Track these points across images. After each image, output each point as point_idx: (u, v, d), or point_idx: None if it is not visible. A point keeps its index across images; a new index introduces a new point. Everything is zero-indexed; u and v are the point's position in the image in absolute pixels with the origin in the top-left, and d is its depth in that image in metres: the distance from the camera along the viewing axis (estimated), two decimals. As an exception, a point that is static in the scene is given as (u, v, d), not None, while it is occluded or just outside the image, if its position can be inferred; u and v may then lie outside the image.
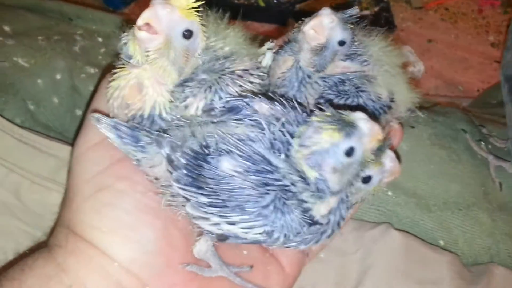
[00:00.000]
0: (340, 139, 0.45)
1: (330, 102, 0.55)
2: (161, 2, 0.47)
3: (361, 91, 0.57)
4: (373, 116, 0.55)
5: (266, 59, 0.59)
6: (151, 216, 0.52)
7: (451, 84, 1.40)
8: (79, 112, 0.82)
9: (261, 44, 0.62)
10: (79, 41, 0.91)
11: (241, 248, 0.58)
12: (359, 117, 0.46)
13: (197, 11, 0.48)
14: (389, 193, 0.73)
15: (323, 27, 0.54)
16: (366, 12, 1.46)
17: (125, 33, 0.52)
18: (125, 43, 0.51)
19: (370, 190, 0.53)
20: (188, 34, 0.49)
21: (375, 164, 0.50)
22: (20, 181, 0.66)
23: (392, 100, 0.59)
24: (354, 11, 0.56)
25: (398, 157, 0.52)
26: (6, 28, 0.87)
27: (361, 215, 0.73)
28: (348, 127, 0.45)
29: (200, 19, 0.49)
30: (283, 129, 0.48)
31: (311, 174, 0.47)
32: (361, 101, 0.56)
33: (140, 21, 0.46)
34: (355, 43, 0.58)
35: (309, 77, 0.57)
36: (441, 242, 0.74)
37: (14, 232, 0.65)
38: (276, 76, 0.59)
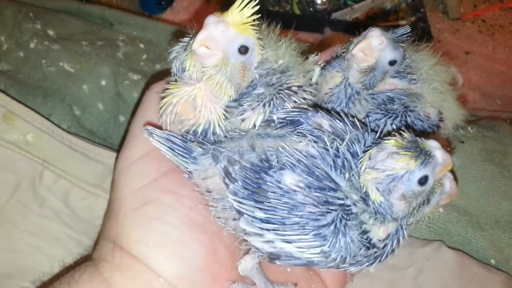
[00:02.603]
0: (416, 167, 0.44)
1: (399, 128, 0.54)
2: (215, 21, 0.47)
3: (410, 110, 0.56)
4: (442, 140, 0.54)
5: (315, 75, 0.58)
6: (197, 231, 0.51)
7: (489, 97, 1.37)
8: (122, 119, 0.82)
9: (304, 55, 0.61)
10: (122, 47, 0.91)
11: (286, 265, 0.56)
12: (435, 146, 0.45)
13: (253, 25, 0.48)
14: (440, 209, 0.71)
15: (372, 49, 0.53)
16: (403, 22, 1.44)
17: (175, 47, 0.52)
18: (175, 57, 0.51)
19: (427, 211, 0.51)
20: (244, 50, 0.49)
21: (435, 185, 0.48)
22: (69, 187, 0.66)
23: (441, 119, 0.58)
24: (406, 30, 0.55)
25: (455, 178, 0.51)
26: (50, 33, 0.87)
27: (412, 232, 0.72)
28: (425, 156, 0.44)
29: (256, 33, 0.49)
30: (347, 148, 0.47)
31: (377, 198, 0.45)
32: (409, 120, 0.55)
33: (196, 44, 0.46)
34: (406, 60, 0.57)
35: (358, 93, 0.57)
36: (492, 261, 0.72)
37: (62, 238, 0.64)
38: (323, 92, 0.58)
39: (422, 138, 0.46)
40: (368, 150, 0.46)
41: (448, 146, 0.63)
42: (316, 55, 0.59)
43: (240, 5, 0.47)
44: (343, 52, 0.57)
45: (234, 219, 0.49)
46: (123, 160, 0.55)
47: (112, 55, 0.87)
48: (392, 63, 0.55)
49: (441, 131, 0.59)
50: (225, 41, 0.47)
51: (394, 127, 0.55)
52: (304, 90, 0.53)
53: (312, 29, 1.37)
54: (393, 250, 0.50)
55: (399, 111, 0.56)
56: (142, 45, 0.94)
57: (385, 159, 0.44)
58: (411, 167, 0.44)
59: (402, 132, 0.46)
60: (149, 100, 0.58)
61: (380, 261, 0.50)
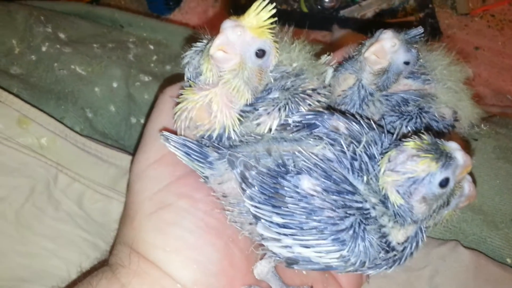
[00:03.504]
0: (437, 169, 0.43)
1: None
2: (232, 26, 0.46)
3: (425, 111, 0.55)
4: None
5: (328, 77, 0.57)
6: (213, 235, 0.51)
7: (499, 93, 1.36)
8: (133, 120, 0.82)
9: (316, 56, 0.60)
10: (132, 48, 0.91)
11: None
12: (455, 148, 0.45)
13: (269, 28, 0.48)
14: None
15: (385, 51, 0.53)
16: (411, 18, 1.43)
17: (188, 52, 0.51)
18: (189, 62, 0.51)
19: (446, 214, 0.50)
20: (261, 53, 0.48)
21: (455, 188, 0.48)
22: (83, 190, 0.66)
23: (456, 119, 0.57)
24: (419, 31, 0.55)
25: (474, 180, 0.51)
26: (62, 36, 0.87)
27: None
28: (445, 158, 0.44)
29: (272, 36, 0.49)
30: (364, 150, 0.47)
31: (397, 201, 0.45)
32: (424, 121, 0.55)
33: (214, 49, 0.46)
34: (419, 61, 0.57)
35: (372, 95, 0.56)
36: (508, 260, 0.72)
37: (77, 241, 0.64)
38: (336, 94, 0.57)
39: (442, 139, 0.45)
40: (386, 152, 0.46)
41: (466, 146, 0.62)
42: (328, 55, 0.59)
43: (257, 8, 0.46)
44: (356, 54, 0.56)
45: (251, 224, 0.49)
46: (138, 164, 0.55)
47: (123, 57, 0.87)
48: (406, 63, 0.54)
49: (456, 130, 0.59)
50: (242, 45, 0.47)
51: (409, 129, 0.54)
52: (319, 93, 0.53)
53: (320, 27, 1.36)
54: (412, 253, 0.49)
55: (414, 113, 0.55)
56: (152, 47, 0.94)
57: (405, 161, 0.44)
58: (432, 169, 0.43)
59: (421, 134, 0.45)
60: (163, 103, 0.57)
61: (399, 264, 0.49)
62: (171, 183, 0.52)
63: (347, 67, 0.57)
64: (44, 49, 0.82)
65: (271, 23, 0.48)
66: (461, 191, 0.48)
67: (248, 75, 0.49)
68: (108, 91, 0.80)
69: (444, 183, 0.44)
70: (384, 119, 0.55)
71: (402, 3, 1.45)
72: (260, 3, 0.46)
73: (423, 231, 0.50)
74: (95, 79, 0.81)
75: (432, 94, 0.57)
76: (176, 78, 0.89)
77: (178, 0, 1.37)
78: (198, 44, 0.52)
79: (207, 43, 0.49)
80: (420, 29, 0.54)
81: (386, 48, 0.53)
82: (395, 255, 0.48)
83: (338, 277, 0.58)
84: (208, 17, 1.37)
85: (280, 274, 0.54)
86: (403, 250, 0.48)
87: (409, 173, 0.44)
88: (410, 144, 0.44)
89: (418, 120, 0.55)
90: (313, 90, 0.53)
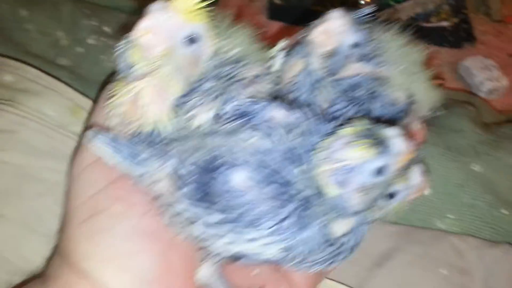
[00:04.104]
0: (372, 156, 0.40)
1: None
2: (159, 8, 0.43)
3: (376, 96, 0.51)
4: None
5: (277, 62, 0.54)
6: (149, 240, 0.47)
7: (534, 101, 1.35)
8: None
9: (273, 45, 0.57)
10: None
11: (250, 268, 0.53)
12: (394, 133, 0.41)
13: (203, 12, 0.44)
14: (503, 211, 0.69)
15: (331, 32, 0.49)
16: (445, 24, 1.42)
17: (121, 42, 0.46)
18: (122, 53, 0.46)
19: (394, 206, 0.48)
20: (191, 40, 0.44)
21: (401, 179, 0.46)
22: None
23: (411, 102, 0.53)
24: (371, 9, 0.51)
25: (427, 171, 0.48)
26: (106, 29, 0.88)
27: (475, 232, 0.71)
28: (381, 144, 0.40)
29: (208, 21, 0.45)
30: (302, 139, 0.44)
31: (334, 191, 0.42)
32: (376, 106, 0.51)
33: (137, 33, 0.42)
34: (372, 42, 0.52)
35: (321, 81, 0.52)
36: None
37: None
38: (286, 80, 0.54)
39: (383, 125, 0.42)
40: (323, 140, 0.43)
41: (421, 132, 0.57)
42: (285, 40, 0.56)
43: None
44: (303, 37, 0.52)
45: (189, 224, 0.46)
46: (74, 167, 0.52)
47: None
48: (354, 45, 0.50)
49: (414, 115, 0.55)
50: (169, 30, 0.43)
51: (360, 114, 0.50)
52: (261, 80, 0.49)
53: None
54: (356, 245, 0.47)
55: (364, 98, 0.51)
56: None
57: (340, 149, 0.41)
58: (366, 157, 0.40)
59: (359, 120, 0.42)
60: (103, 101, 0.54)
61: (344, 257, 0.47)
62: (107, 186, 0.49)
63: (295, 53, 0.53)
64: (90, 41, 0.83)
65: (208, 6, 0.44)
66: (408, 182, 0.45)
67: (179, 64, 0.44)
68: None
69: (380, 171, 0.41)
70: (333, 105, 0.51)
71: (436, 8, 1.44)
72: None
73: (367, 222, 0.47)
74: None
75: (385, 77, 0.52)
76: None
77: (213, -1, 1.38)
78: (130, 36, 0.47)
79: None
80: (373, 8, 0.51)
81: (333, 29, 0.49)
82: (338, 248, 0.46)
83: (292, 276, 0.54)
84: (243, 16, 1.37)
85: (227, 276, 0.50)
86: (345, 243, 0.46)
87: (343, 161, 0.40)
88: (346, 131, 0.41)
89: (369, 105, 0.51)
90: (256, 76, 0.49)
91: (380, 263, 0.70)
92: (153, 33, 0.42)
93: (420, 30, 0.57)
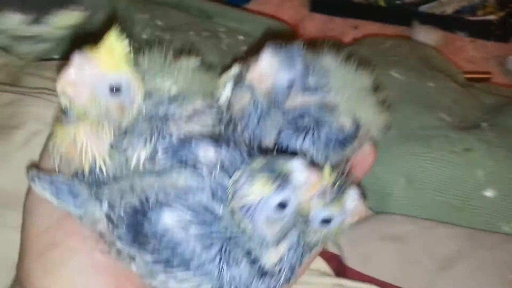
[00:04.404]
0: (271, 191, 0.41)
1: (274, 145, 0.51)
2: (80, 59, 0.43)
3: (322, 124, 0.52)
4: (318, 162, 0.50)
5: (226, 93, 0.55)
6: (104, 273, 0.48)
7: None
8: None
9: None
10: (224, 38, 0.93)
11: None
12: (295, 166, 0.41)
13: (128, 59, 0.44)
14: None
15: (265, 73, 0.50)
16: (491, 17, 1.39)
17: (58, 84, 0.46)
18: (63, 92, 0.46)
19: (332, 231, 0.48)
20: (116, 89, 0.45)
21: (335, 205, 0.46)
22: None
23: (358, 127, 0.54)
24: (297, 46, 0.51)
25: (364, 194, 0.48)
26: (159, 23, 0.90)
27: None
28: (280, 178, 0.41)
29: (132, 67, 0.45)
30: (226, 174, 0.45)
31: (247, 225, 0.43)
32: (322, 134, 0.52)
33: (60, 85, 0.43)
34: (313, 73, 0.54)
35: (268, 111, 0.53)
36: None
37: None
38: (235, 111, 0.54)
39: (287, 157, 0.43)
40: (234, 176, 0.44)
41: (370, 154, 0.58)
42: (236, 66, 0.56)
43: (109, 38, 0.43)
44: (244, 72, 0.54)
45: (130, 260, 0.47)
46: (28, 199, 0.53)
47: (216, 46, 0.90)
48: (290, 84, 0.51)
49: (362, 139, 0.56)
50: (92, 81, 0.44)
51: (308, 143, 0.52)
52: (202, 114, 0.50)
53: (398, 22, 1.35)
54: (292, 270, 0.47)
55: (310, 126, 0.52)
56: (241, 37, 0.96)
57: (243, 185, 0.42)
58: (265, 192, 0.41)
59: (266, 154, 0.44)
60: (47, 142, 0.55)
61: (282, 284, 0.47)
62: (61, 219, 0.50)
63: (241, 84, 0.54)
64: (145, 36, 0.85)
65: (130, 52, 0.44)
66: (343, 207, 0.46)
67: (106, 111, 0.45)
68: None
69: (282, 205, 0.42)
70: (280, 134, 0.53)
71: (482, 1, 1.41)
72: (114, 37, 0.43)
73: (303, 246, 0.47)
74: None
75: (332, 105, 0.53)
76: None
77: (255, -9, 1.38)
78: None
79: None
80: (300, 44, 0.52)
81: (266, 70, 0.50)
82: (272, 278, 0.46)
83: None
84: (284, 9, 1.38)
85: None
86: (280, 272, 0.46)
87: (246, 197, 0.42)
88: (252, 165, 0.42)
89: (316, 133, 0.52)
90: (195, 111, 0.49)
91: (445, 267, 0.68)
92: (75, 86, 0.43)
93: (465, 24, 0.56)
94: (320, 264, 0.69)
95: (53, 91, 0.67)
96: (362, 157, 0.57)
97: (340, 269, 0.71)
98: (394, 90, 0.86)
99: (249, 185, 0.42)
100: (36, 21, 0.77)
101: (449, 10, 1.36)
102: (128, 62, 0.44)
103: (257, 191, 0.41)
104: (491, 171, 0.76)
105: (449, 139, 0.79)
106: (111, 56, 0.43)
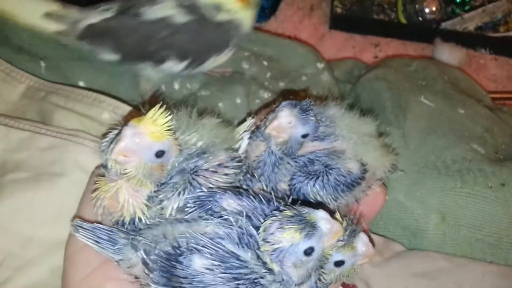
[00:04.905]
0: (300, 239, 0.46)
1: (296, 199, 0.55)
2: (130, 134, 0.49)
3: (331, 168, 0.58)
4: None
5: (244, 144, 0.61)
6: None
7: None
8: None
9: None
10: (249, 64, 0.91)
11: None
12: (320, 217, 0.47)
13: (167, 129, 0.50)
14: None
15: (283, 128, 0.56)
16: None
17: (105, 139, 0.54)
18: (103, 151, 0.53)
19: (345, 272, 0.54)
20: (160, 154, 0.51)
21: (347, 249, 0.52)
22: None
23: (364, 170, 0.59)
24: (309, 103, 0.57)
25: (371, 240, 0.54)
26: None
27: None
28: (308, 228, 0.47)
29: (171, 135, 0.51)
30: (250, 223, 0.50)
31: (274, 268, 0.48)
32: (331, 178, 0.58)
33: (114, 155, 0.48)
34: (324, 123, 0.60)
35: (281, 159, 0.59)
36: None
37: None
38: (251, 159, 0.60)
39: (311, 208, 0.48)
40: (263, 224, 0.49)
41: (380, 195, 0.63)
42: (252, 117, 0.63)
43: (154, 115, 0.49)
44: (262, 125, 0.60)
45: None
46: (68, 248, 0.57)
47: (242, 73, 0.88)
48: (304, 136, 0.57)
49: (369, 181, 0.61)
50: (141, 150, 0.49)
51: (318, 187, 0.58)
52: (226, 166, 0.55)
53: (419, 39, 1.33)
54: None
55: (320, 171, 0.58)
56: (265, 63, 0.95)
57: (274, 232, 0.47)
58: (295, 240, 0.46)
59: (290, 206, 0.49)
60: (91, 184, 0.58)
61: None
62: (99, 266, 0.54)
63: (258, 135, 0.60)
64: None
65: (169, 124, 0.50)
66: (354, 252, 0.52)
67: (150, 171, 0.51)
68: (233, 107, 0.82)
69: (309, 252, 0.47)
70: (293, 179, 0.59)
71: (504, 16, 1.39)
72: (157, 110, 0.49)
73: (322, 285, 0.52)
74: (219, 94, 0.82)
75: (339, 150, 0.59)
76: (291, 93, 0.89)
77: (274, 8, 1.37)
78: (113, 132, 0.54)
79: (118, 134, 0.51)
80: (308, 101, 0.58)
81: (284, 125, 0.56)
82: None
83: None
84: (304, 26, 1.36)
85: None
86: None
87: (276, 244, 0.47)
88: (280, 215, 0.48)
89: (325, 177, 0.58)
90: (219, 165, 0.55)
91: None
92: (126, 154, 0.49)
93: (487, 41, 0.54)
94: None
95: (88, 133, 0.71)
96: (373, 197, 0.61)
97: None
98: (425, 119, 0.85)
99: (279, 233, 0.47)
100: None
101: (471, 26, 1.34)
102: (170, 131, 0.50)
103: (288, 237, 0.46)
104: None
105: (484, 173, 0.78)
106: (157, 128, 0.49)
